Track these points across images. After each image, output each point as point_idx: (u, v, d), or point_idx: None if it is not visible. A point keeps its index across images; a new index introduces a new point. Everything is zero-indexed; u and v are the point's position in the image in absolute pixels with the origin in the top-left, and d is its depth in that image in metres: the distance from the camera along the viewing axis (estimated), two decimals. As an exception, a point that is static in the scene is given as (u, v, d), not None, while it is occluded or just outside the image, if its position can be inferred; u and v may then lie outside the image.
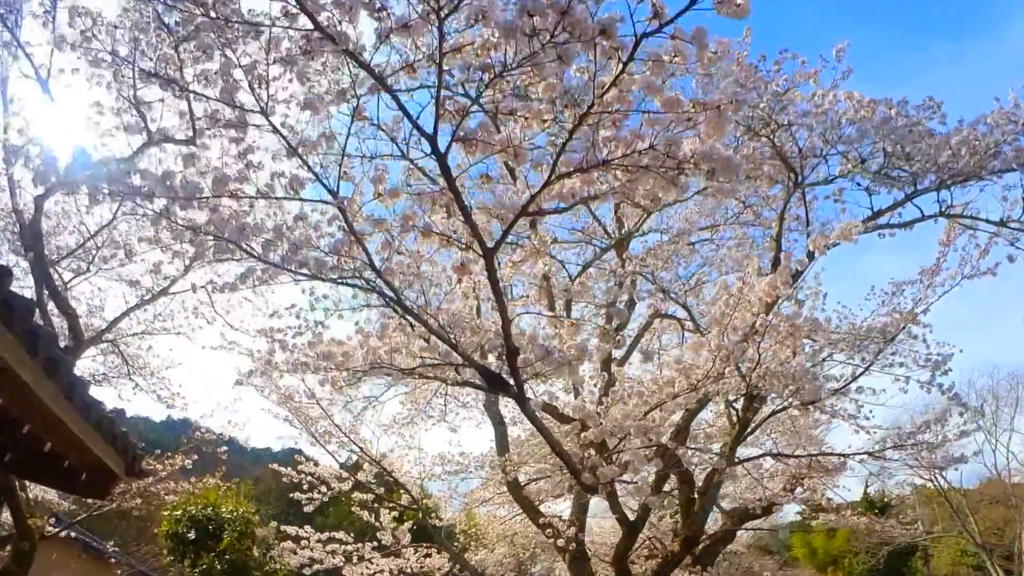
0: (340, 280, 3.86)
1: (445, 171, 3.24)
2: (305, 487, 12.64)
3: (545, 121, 3.01)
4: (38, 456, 4.74)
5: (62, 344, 8.33)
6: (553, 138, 3.18)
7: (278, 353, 7.20)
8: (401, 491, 12.22)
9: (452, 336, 4.04)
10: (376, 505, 13.00)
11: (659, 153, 2.85)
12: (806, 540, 40.91)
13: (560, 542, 10.26)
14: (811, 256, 4.92)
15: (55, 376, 3.93)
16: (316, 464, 12.92)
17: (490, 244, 3.61)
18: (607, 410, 6.09)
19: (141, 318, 12.24)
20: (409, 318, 4.15)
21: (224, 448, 15.08)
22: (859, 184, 9.03)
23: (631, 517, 10.10)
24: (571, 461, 5.03)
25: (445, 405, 14.06)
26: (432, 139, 3.18)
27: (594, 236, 12.09)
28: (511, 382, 4.31)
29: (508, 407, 12.25)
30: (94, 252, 10.31)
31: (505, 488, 12.24)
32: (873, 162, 8.02)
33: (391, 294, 3.90)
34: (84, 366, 12.83)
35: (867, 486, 35.78)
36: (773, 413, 9.74)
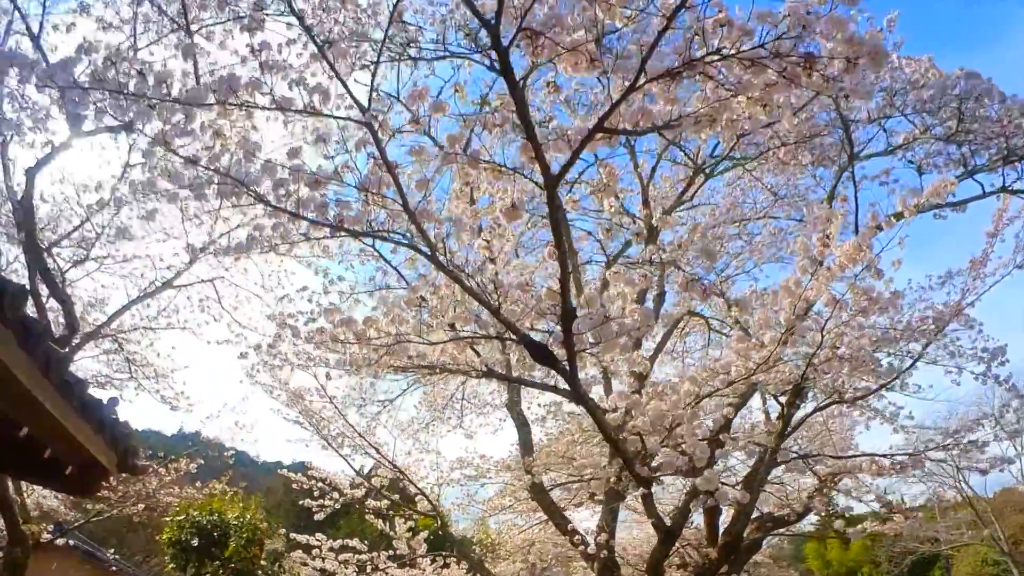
0: (366, 232, 3.24)
1: (507, 71, 2.61)
2: (316, 494, 12.07)
3: (629, 14, 2.41)
4: (18, 446, 4.14)
5: (57, 336, 7.75)
6: (640, 35, 2.58)
7: (287, 343, 6.67)
8: (417, 497, 11.60)
9: (495, 299, 3.42)
10: (391, 513, 12.38)
11: (778, 47, 2.25)
12: (820, 551, 40.18)
13: (590, 550, 9.61)
14: (899, 216, 4.31)
15: (29, 347, 3.33)
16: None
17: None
18: (647, 402, 5.53)
19: (144, 313, 11.68)
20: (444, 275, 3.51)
21: (231, 452, 14.55)
22: (911, 162, 8.53)
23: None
24: (626, 450, 4.41)
25: (462, 410, 13.47)
26: (494, 28, 2.55)
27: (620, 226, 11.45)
28: (561, 355, 3.68)
29: (531, 408, 11.65)
30: (93, 238, 9.71)
31: (526, 494, 11.62)
32: (938, 129, 7.46)
33: (426, 249, 3.30)
34: (86, 366, 12.28)
35: (885, 492, 34.95)
36: (817, 409, 9.22)
